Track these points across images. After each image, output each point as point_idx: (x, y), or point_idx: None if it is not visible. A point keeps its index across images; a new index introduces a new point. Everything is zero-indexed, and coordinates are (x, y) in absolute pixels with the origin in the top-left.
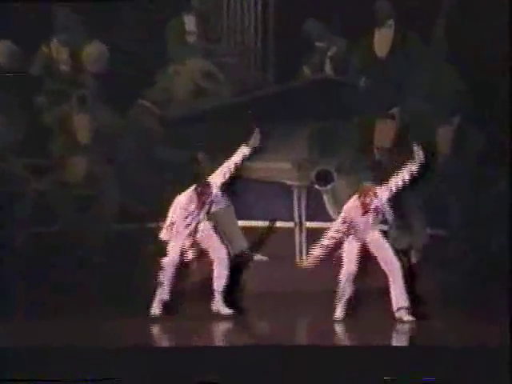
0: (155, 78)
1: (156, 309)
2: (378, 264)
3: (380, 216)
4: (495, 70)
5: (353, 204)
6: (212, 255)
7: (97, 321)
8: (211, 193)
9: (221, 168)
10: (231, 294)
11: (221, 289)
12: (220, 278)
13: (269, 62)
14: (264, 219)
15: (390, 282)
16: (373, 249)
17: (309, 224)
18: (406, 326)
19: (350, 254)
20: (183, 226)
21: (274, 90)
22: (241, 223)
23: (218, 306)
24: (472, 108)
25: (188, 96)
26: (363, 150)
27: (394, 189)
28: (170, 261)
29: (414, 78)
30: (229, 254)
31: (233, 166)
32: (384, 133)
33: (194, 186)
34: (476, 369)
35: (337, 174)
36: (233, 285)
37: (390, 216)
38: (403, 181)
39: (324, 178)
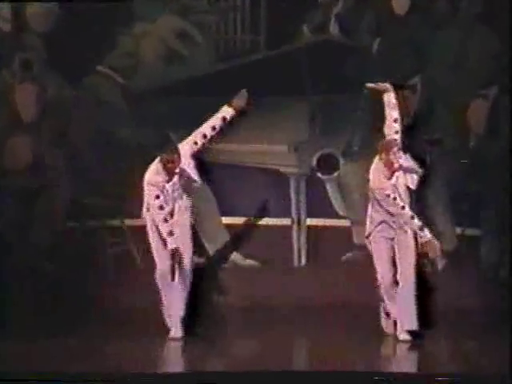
0: (118, 40)
1: (177, 330)
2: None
3: (408, 178)
4: None
5: (377, 170)
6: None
7: (46, 342)
8: (179, 161)
9: (194, 133)
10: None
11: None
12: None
13: (260, 20)
14: (254, 215)
15: (399, 294)
16: (397, 248)
17: (309, 221)
18: (407, 349)
19: (379, 255)
20: (157, 209)
21: (265, 56)
22: (225, 220)
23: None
24: (511, 78)
25: (158, 62)
26: (376, 129)
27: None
28: (162, 271)
29: (440, 40)
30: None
31: (209, 130)
32: (402, 108)
33: (159, 157)
34: None
35: (343, 160)
36: (216, 297)
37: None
38: None
39: (328, 164)
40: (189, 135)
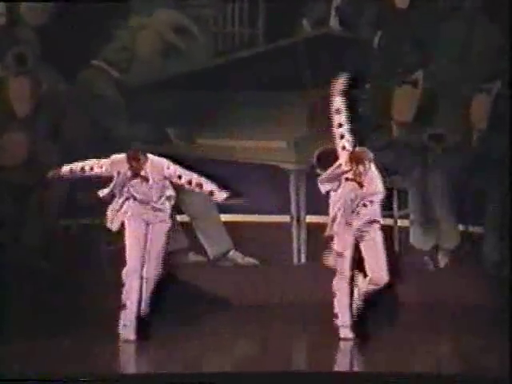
0: (113, 33)
1: (126, 332)
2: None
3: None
4: None
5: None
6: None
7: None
8: (144, 164)
9: (186, 172)
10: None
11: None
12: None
13: (258, 14)
14: (253, 212)
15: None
16: (363, 247)
17: (309, 218)
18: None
19: (342, 249)
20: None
21: (264, 50)
22: (224, 218)
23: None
24: None
25: (155, 56)
26: (378, 124)
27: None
28: (131, 268)
29: (442, 34)
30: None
31: (195, 183)
32: (404, 103)
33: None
34: None
35: None
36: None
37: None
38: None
39: (328, 160)
40: (186, 130)
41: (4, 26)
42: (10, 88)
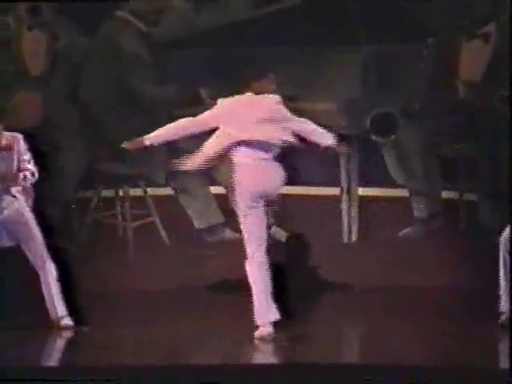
0: None
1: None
2: None
3: None
4: None
5: None
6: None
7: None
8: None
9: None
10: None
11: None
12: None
13: None
14: (299, 184)
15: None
16: None
17: (361, 190)
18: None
19: None
20: None
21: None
22: None
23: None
24: None
25: (188, 7)
26: (441, 84)
27: None
28: None
29: None
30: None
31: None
32: (473, 59)
33: None
34: None
35: (403, 120)
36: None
37: None
38: None
39: (384, 124)
40: (221, 91)
41: None
42: (23, 43)
